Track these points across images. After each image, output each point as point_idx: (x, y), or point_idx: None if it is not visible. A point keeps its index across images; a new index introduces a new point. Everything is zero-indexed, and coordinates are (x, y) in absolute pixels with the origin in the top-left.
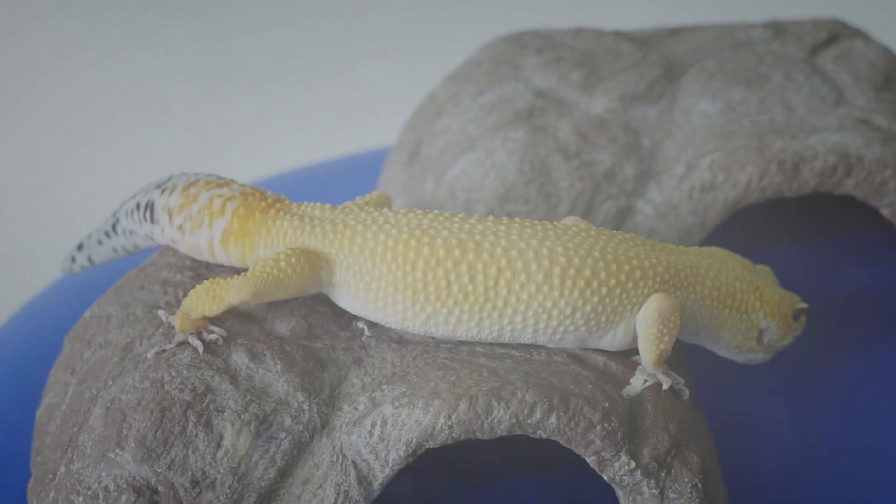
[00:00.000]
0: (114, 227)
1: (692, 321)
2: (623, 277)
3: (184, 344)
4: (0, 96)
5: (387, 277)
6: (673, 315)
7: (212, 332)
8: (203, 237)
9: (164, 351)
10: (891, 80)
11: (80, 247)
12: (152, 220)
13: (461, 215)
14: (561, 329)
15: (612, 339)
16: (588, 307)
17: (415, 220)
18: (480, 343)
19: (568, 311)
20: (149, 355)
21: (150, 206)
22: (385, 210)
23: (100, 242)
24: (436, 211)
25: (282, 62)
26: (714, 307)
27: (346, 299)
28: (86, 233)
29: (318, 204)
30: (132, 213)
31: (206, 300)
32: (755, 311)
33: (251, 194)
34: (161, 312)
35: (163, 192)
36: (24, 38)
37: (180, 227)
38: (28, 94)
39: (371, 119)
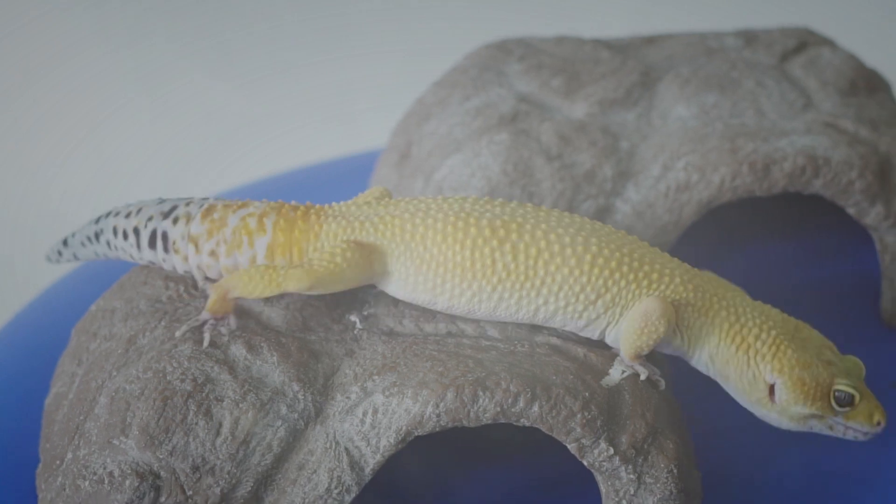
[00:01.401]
0: (96, 236)
1: (699, 347)
2: (641, 275)
3: (206, 324)
4: (0, 96)
5: (437, 259)
6: (658, 319)
7: (230, 324)
8: (244, 256)
9: (190, 329)
10: (856, 85)
11: (65, 242)
12: (166, 250)
13: (499, 201)
14: (585, 314)
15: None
16: (608, 296)
17: (457, 205)
18: (481, 337)
19: (593, 297)
20: (177, 334)
21: (162, 237)
22: (420, 198)
23: (83, 244)
24: (473, 196)
25: (275, 67)
26: (721, 339)
27: (396, 286)
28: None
29: (343, 203)
30: (117, 235)
31: (259, 282)
32: (764, 360)
33: (281, 206)
34: (205, 283)
35: (174, 221)
36: (23, 38)
37: (212, 253)
38: (28, 93)
39: (362, 123)
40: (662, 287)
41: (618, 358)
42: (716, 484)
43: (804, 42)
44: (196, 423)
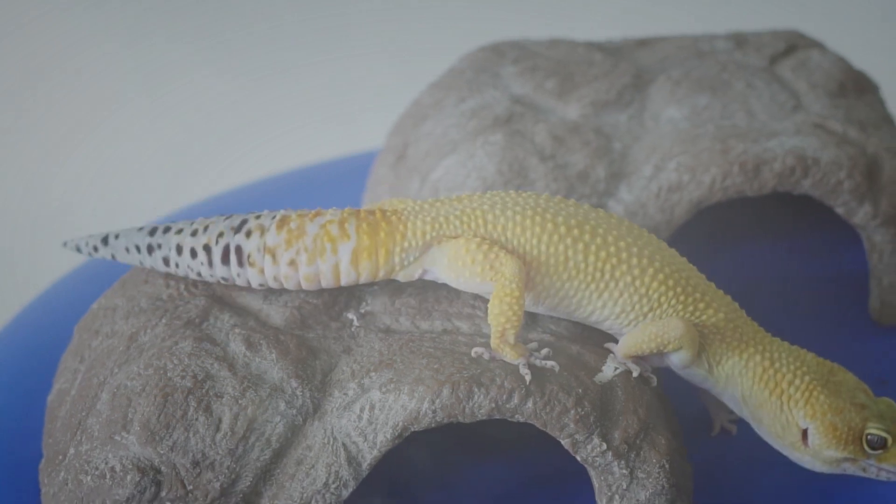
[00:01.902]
0: (149, 249)
1: (732, 386)
2: (690, 300)
3: (521, 366)
4: (0, 96)
5: (517, 251)
6: (675, 339)
7: (539, 353)
8: (327, 264)
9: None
10: (845, 87)
11: (105, 241)
12: (240, 264)
13: (572, 201)
14: (634, 325)
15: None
16: (659, 311)
17: (532, 200)
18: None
19: (646, 309)
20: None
21: (236, 251)
22: (493, 193)
23: (127, 250)
24: (545, 194)
25: (273, 68)
26: (755, 383)
27: None
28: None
29: (411, 200)
30: (182, 253)
31: (506, 313)
32: (797, 406)
33: (358, 212)
34: (482, 352)
35: (247, 234)
36: (23, 38)
37: (292, 262)
38: (28, 92)
39: (359, 123)
40: (705, 318)
41: (611, 355)
42: (707, 478)
43: (794, 45)
44: (196, 419)
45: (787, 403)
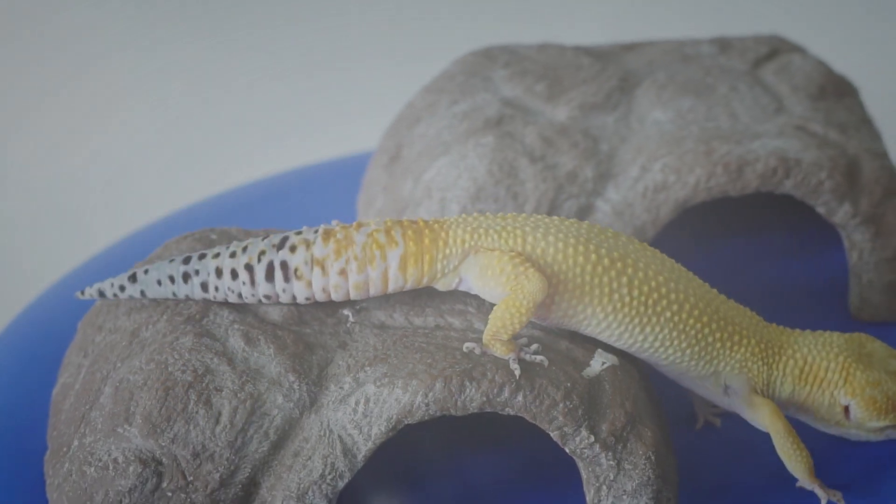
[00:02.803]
0: (185, 277)
1: (774, 393)
2: (725, 335)
3: (511, 360)
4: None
5: (557, 276)
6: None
7: (528, 349)
8: (376, 271)
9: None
10: (826, 90)
11: (133, 278)
12: (286, 279)
13: (611, 231)
14: (671, 356)
15: (704, 387)
16: (697, 347)
17: (574, 228)
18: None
19: (683, 344)
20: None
21: (281, 267)
22: (534, 216)
23: (159, 283)
24: (587, 223)
25: (273, 70)
26: (795, 384)
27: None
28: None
29: (460, 215)
30: (222, 276)
31: (512, 317)
32: (837, 388)
33: (400, 221)
34: (472, 347)
35: (292, 249)
36: (21, 37)
37: (342, 272)
38: (26, 92)
39: (354, 126)
40: (741, 350)
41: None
42: (692, 470)
43: (776, 49)
44: (196, 412)
45: (828, 389)
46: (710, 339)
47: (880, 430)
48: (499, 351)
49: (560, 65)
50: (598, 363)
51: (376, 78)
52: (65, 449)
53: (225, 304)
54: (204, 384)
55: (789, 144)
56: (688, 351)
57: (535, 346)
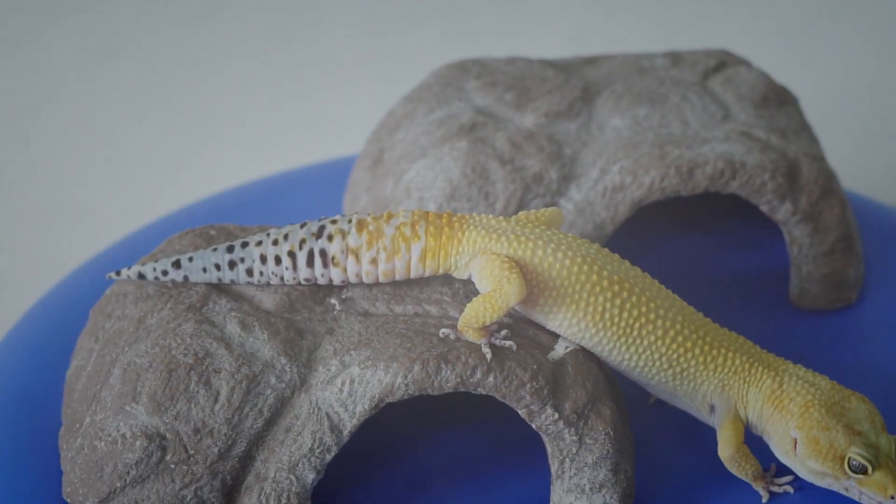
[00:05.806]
0: (230, 265)
1: (747, 408)
2: (709, 358)
3: (483, 345)
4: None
5: (558, 289)
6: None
7: (498, 335)
8: (401, 262)
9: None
10: (768, 99)
11: (177, 264)
12: (325, 265)
13: (616, 256)
14: (658, 377)
15: (693, 407)
16: (678, 368)
17: (583, 248)
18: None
19: (665, 365)
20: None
21: (320, 254)
22: (551, 230)
23: (204, 271)
24: (596, 245)
25: (267, 72)
26: (764, 402)
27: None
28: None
29: (485, 215)
30: (266, 262)
31: (487, 311)
32: (793, 418)
33: (426, 214)
34: (447, 333)
35: (329, 238)
36: (20, 38)
37: (373, 261)
38: (24, 93)
39: (340, 131)
40: (724, 368)
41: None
42: (648, 445)
43: (723, 62)
44: (197, 392)
45: (784, 417)
46: (691, 361)
47: (821, 475)
48: (472, 336)
49: (527, 76)
50: (562, 347)
51: (361, 88)
52: (77, 425)
53: (223, 293)
54: (204, 366)
55: (735, 149)
56: (668, 371)
57: (504, 332)
